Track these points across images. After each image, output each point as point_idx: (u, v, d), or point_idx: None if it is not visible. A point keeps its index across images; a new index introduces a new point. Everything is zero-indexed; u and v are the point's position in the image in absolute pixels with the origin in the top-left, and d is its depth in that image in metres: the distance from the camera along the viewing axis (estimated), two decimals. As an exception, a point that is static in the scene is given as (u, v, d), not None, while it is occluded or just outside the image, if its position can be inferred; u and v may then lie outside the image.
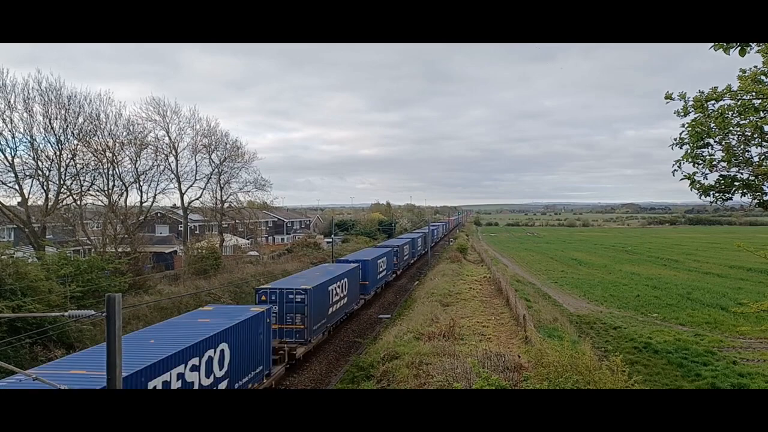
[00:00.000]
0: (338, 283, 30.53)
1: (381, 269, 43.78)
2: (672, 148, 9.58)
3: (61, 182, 38.00)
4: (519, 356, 17.65)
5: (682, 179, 9.42)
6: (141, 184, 44.76)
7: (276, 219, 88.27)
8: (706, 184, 9.49)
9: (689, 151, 9.38)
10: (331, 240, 67.19)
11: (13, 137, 35.33)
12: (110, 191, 41.35)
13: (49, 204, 37.50)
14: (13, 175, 35.77)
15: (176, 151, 49.33)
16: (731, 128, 9.24)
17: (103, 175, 40.88)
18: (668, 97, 9.43)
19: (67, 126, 37.45)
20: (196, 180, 51.53)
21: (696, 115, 9.40)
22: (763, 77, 9.05)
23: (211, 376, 15.48)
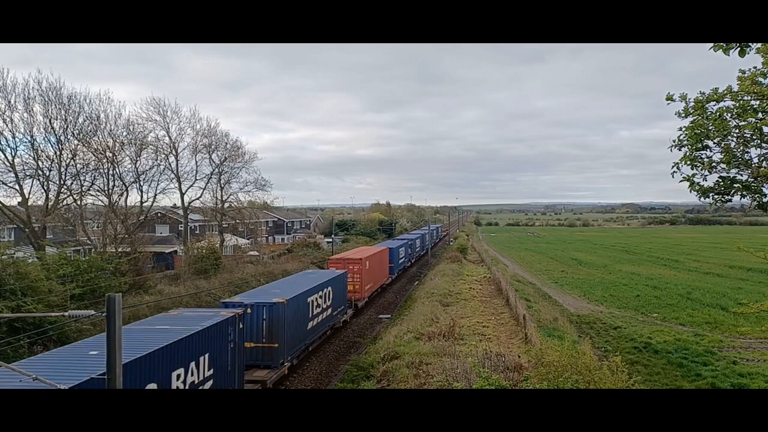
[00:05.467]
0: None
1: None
2: (671, 150, 9.60)
3: (62, 182, 38.03)
4: (519, 356, 17.66)
5: (681, 181, 9.44)
6: (141, 184, 44.85)
7: (276, 219, 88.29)
8: (705, 185, 9.50)
9: (688, 153, 9.39)
10: (331, 240, 67.24)
11: (14, 137, 35.42)
12: (110, 191, 41.37)
13: (50, 204, 37.52)
14: (13, 175, 35.80)
15: (176, 151, 49.44)
16: (730, 130, 9.25)
17: (104, 175, 40.93)
18: (669, 98, 9.45)
19: (68, 126, 37.49)
20: (196, 180, 51.67)
21: (695, 117, 9.41)
22: (761, 79, 9.06)
23: None
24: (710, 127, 9.19)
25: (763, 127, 8.90)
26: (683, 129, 9.37)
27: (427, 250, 70.93)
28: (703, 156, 9.39)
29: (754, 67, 9.13)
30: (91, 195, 40.91)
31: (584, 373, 12.32)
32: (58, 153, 37.42)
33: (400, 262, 53.04)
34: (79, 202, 40.06)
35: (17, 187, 36.20)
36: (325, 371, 24.51)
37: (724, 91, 9.26)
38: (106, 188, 41.11)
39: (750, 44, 6.68)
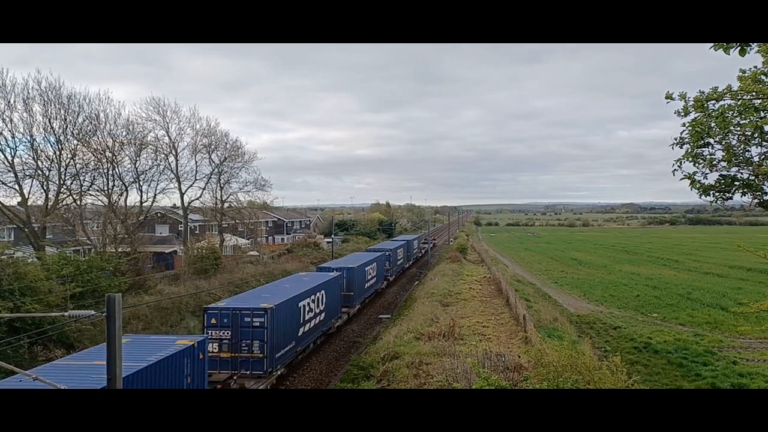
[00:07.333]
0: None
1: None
2: (672, 148, 9.61)
3: (61, 182, 38.03)
4: (519, 356, 17.65)
5: (682, 179, 9.44)
6: (141, 184, 44.90)
7: (276, 219, 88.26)
8: (706, 183, 9.50)
9: (689, 150, 9.39)
10: (331, 240, 67.25)
11: (13, 137, 35.45)
12: (110, 191, 41.38)
13: (49, 204, 37.51)
14: (13, 175, 35.81)
15: (176, 151, 49.53)
16: (731, 128, 9.25)
17: (103, 175, 40.95)
18: (668, 97, 9.46)
19: (67, 126, 37.50)
20: (196, 180, 51.77)
21: (696, 115, 9.41)
22: (763, 77, 9.06)
23: None
24: (712, 125, 9.19)
25: (764, 125, 8.90)
26: (686, 125, 9.36)
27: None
28: (705, 153, 9.40)
29: (755, 67, 9.14)
30: (91, 195, 40.98)
31: (584, 373, 12.31)
32: (57, 153, 37.45)
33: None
34: (78, 202, 40.06)
35: (17, 187, 36.28)
36: (325, 371, 24.52)
37: (723, 90, 9.26)
38: (105, 188, 41.15)
39: (750, 44, 6.67)
